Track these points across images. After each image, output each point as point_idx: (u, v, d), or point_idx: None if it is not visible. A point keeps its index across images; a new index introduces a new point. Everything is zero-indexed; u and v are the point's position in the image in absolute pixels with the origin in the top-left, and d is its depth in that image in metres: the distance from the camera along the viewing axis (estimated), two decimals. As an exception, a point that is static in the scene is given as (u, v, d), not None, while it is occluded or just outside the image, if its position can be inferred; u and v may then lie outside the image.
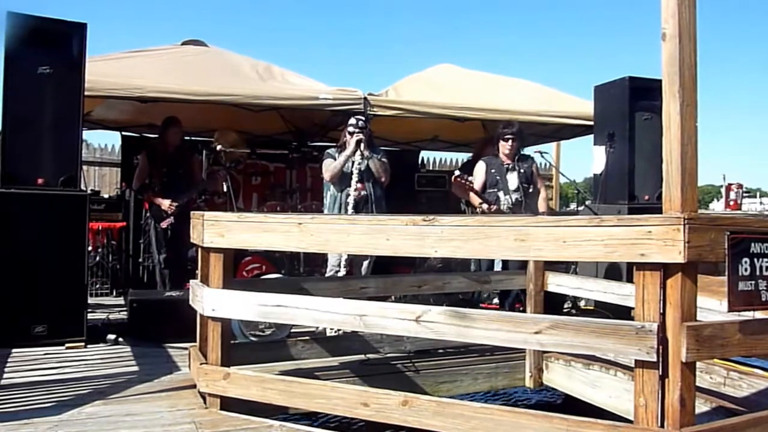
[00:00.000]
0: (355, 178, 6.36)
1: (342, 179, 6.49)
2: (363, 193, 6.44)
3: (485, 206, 6.72)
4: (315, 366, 4.90)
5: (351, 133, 6.51)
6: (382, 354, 5.27)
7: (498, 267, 6.65)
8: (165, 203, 7.06)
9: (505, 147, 6.92)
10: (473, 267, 6.80)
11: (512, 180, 6.89)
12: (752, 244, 2.87)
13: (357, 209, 6.34)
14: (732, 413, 3.69)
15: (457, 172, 6.81)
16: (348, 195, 6.39)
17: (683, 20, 2.78)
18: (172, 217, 7.05)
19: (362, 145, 6.42)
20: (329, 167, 6.54)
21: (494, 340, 3.24)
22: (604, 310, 6.09)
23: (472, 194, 6.86)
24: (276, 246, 4.17)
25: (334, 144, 7.15)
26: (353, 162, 6.42)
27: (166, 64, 7.76)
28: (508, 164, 6.94)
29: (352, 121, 6.64)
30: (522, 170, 6.95)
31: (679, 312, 2.75)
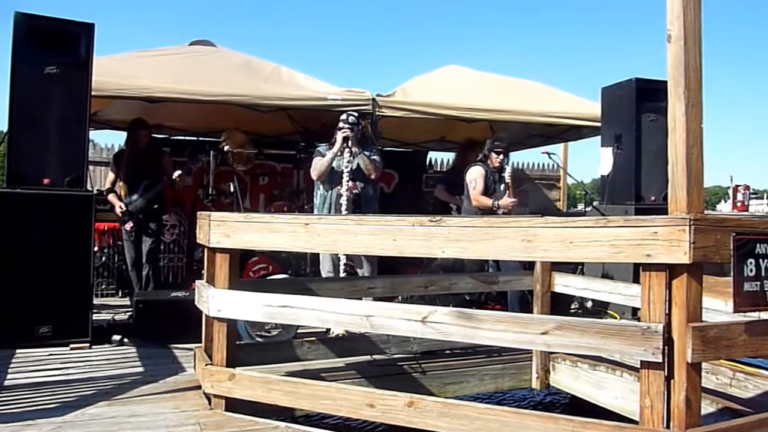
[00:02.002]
0: (345, 177, 6.29)
1: (331, 178, 6.41)
2: (355, 191, 6.34)
3: (508, 200, 6.98)
4: (321, 367, 4.89)
5: (340, 129, 6.42)
6: (389, 355, 5.26)
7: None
8: (117, 206, 7.24)
9: (496, 159, 7.22)
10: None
11: (503, 187, 7.18)
12: (758, 245, 2.87)
13: (350, 209, 6.26)
14: (738, 414, 3.68)
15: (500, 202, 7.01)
16: (339, 195, 6.31)
17: (688, 22, 2.78)
18: (131, 221, 7.20)
19: (349, 141, 6.33)
20: (316, 165, 6.47)
21: (501, 341, 3.24)
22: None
23: (482, 197, 7.08)
24: (282, 246, 4.18)
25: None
26: (343, 160, 6.35)
27: (174, 65, 7.79)
28: (497, 173, 7.25)
29: (342, 117, 6.55)
30: (505, 179, 7.23)
31: (684, 313, 2.75)
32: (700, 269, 2.78)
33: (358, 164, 6.39)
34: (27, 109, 5.54)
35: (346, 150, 6.34)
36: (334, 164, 6.40)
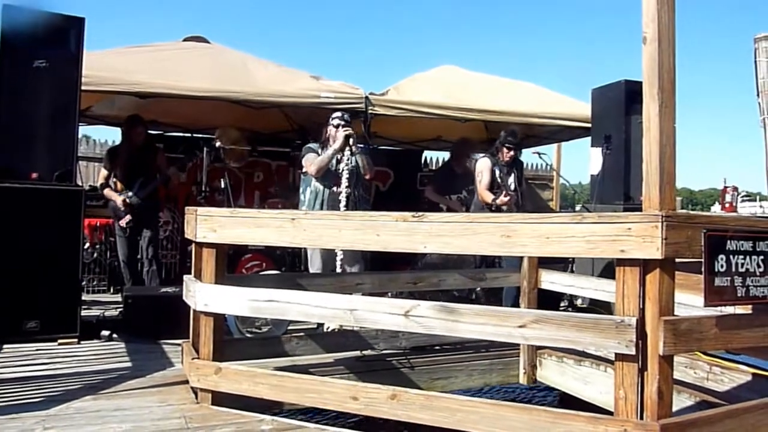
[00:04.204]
0: (345, 174, 6.27)
1: (326, 175, 6.38)
2: (348, 190, 6.33)
3: (503, 199, 7.06)
4: (310, 362, 4.92)
5: (336, 127, 6.42)
6: (377, 350, 5.30)
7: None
8: (119, 200, 7.17)
9: (507, 154, 7.32)
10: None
11: (511, 181, 7.28)
12: (728, 242, 2.94)
13: (349, 207, 6.23)
14: (714, 407, 3.75)
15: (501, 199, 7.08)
16: (338, 193, 6.28)
17: (662, 24, 2.84)
18: (129, 215, 7.16)
19: (351, 140, 6.34)
20: (315, 161, 6.37)
21: (481, 334, 3.31)
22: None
23: (485, 191, 7.20)
24: (269, 241, 4.22)
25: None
26: (342, 158, 6.34)
27: (167, 60, 7.79)
28: (506, 167, 7.32)
29: (338, 114, 6.55)
30: (516, 173, 7.40)
31: (657, 307, 2.81)
32: (672, 264, 2.85)
33: (356, 163, 6.41)
34: (15, 103, 5.50)
35: (347, 148, 6.35)
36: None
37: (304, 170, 6.57)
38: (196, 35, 9.14)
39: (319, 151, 6.47)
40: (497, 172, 7.25)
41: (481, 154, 7.84)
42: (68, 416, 3.73)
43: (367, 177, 6.58)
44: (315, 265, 6.43)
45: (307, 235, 3.82)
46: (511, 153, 7.33)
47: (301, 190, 6.73)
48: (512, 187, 7.24)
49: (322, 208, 6.33)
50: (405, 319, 3.44)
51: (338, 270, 6.16)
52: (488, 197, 7.12)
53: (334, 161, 6.38)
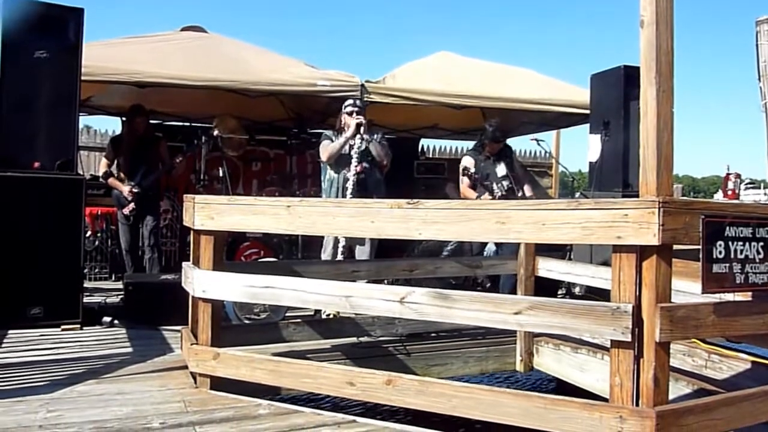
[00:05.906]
0: (354, 161, 6.29)
1: (339, 161, 6.41)
2: (362, 176, 6.34)
3: (487, 197, 6.94)
4: (307, 348, 4.96)
5: (350, 114, 6.47)
6: (374, 337, 5.32)
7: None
8: (125, 189, 7.19)
9: (495, 148, 7.27)
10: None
11: (500, 170, 7.18)
12: (727, 228, 2.91)
13: (356, 192, 6.25)
14: (712, 395, 3.74)
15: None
16: (347, 179, 6.30)
17: (660, 7, 2.80)
18: (133, 203, 7.18)
19: (362, 128, 6.36)
20: (327, 147, 6.45)
21: (476, 321, 3.30)
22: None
23: (468, 190, 7.16)
24: (266, 228, 4.25)
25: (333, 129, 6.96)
26: (352, 144, 6.36)
27: (165, 50, 7.78)
28: (493, 157, 7.27)
29: (350, 102, 6.62)
30: (506, 159, 7.32)
31: (653, 293, 2.79)
32: (669, 251, 2.82)
33: (366, 148, 6.41)
34: (16, 93, 5.55)
35: (358, 137, 6.36)
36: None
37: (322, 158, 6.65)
38: (194, 25, 9.12)
39: (334, 138, 6.50)
40: (483, 166, 7.17)
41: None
42: (72, 399, 3.79)
43: (385, 163, 6.60)
44: (327, 251, 6.44)
45: (302, 222, 3.82)
46: (498, 147, 7.28)
47: (322, 178, 6.81)
48: (502, 174, 7.15)
49: (338, 195, 6.37)
50: (400, 305, 3.44)
51: (339, 254, 6.17)
52: (471, 196, 7.09)
53: (347, 148, 6.40)
